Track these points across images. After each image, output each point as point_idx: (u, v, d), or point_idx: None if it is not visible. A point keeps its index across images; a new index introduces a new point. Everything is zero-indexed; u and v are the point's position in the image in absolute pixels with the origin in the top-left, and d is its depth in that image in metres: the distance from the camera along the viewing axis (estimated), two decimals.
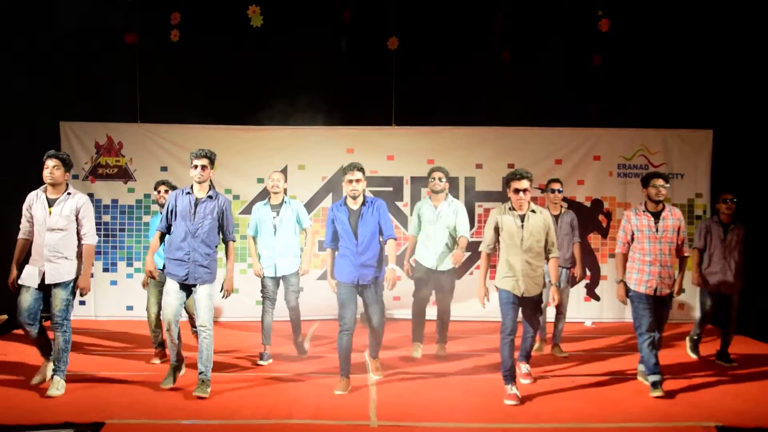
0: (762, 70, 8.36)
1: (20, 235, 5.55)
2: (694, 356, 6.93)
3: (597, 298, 9.21)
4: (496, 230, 5.47)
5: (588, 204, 9.18)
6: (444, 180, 6.80)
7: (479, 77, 8.65)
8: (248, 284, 8.86)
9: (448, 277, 6.81)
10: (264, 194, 8.80)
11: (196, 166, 5.49)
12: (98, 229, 8.87)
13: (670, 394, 5.45)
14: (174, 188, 6.38)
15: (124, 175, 9.05)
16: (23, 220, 5.54)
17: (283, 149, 9.03)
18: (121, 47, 8.53)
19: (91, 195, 8.94)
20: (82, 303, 8.93)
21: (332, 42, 8.74)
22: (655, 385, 5.48)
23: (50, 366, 5.56)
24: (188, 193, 5.56)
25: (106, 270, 8.97)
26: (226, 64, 8.78)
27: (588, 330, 8.56)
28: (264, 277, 6.60)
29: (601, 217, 9.23)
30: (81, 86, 8.62)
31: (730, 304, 6.63)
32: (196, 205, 5.50)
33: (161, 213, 6.02)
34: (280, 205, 6.67)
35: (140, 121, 9.00)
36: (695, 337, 6.96)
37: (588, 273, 8.91)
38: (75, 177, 8.96)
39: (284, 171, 8.80)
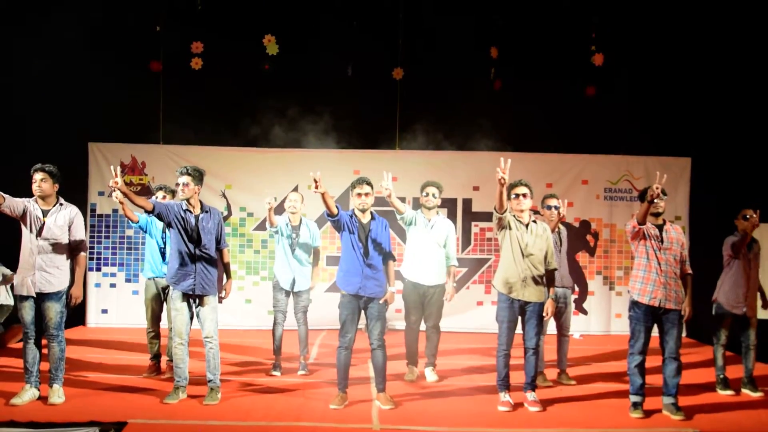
0: (734, 106, 8.51)
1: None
2: (729, 392, 5.87)
3: (585, 312, 9.21)
4: (509, 224, 5.23)
5: (577, 224, 9.20)
6: (437, 196, 6.13)
7: (477, 106, 8.72)
8: (261, 294, 8.88)
9: (438, 292, 6.16)
10: (277, 211, 8.80)
11: (178, 184, 5.28)
12: (122, 243, 9.06)
13: (647, 414, 5.15)
14: (173, 192, 6.04)
15: (146, 192, 9.04)
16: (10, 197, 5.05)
17: (294, 170, 9.03)
18: (146, 74, 8.65)
19: (115, 210, 9.00)
20: (105, 311, 8.98)
21: (342, 70, 8.78)
22: (635, 405, 5.14)
23: (31, 391, 5.19)
24: (187, 210, 5.26)
25: (128, 281, 8.98)
26: (243, 90, 8.88)
27: (577, 342, 8.54)
28: (277, 290, 6.44)
29: (588, 237, 9.25)
30: (109, 110, 8.68)
31: (748, 325, 5.90)
32: (197, 221, 5.27)
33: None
34: (299, 226, 6.45)
35: (162, 143, 9.07)
36: (721, 376, 5.96)
37: (577, 289, 8.91)
38: (101, 194, 9.02)
39: (296, 190, 8.81)
